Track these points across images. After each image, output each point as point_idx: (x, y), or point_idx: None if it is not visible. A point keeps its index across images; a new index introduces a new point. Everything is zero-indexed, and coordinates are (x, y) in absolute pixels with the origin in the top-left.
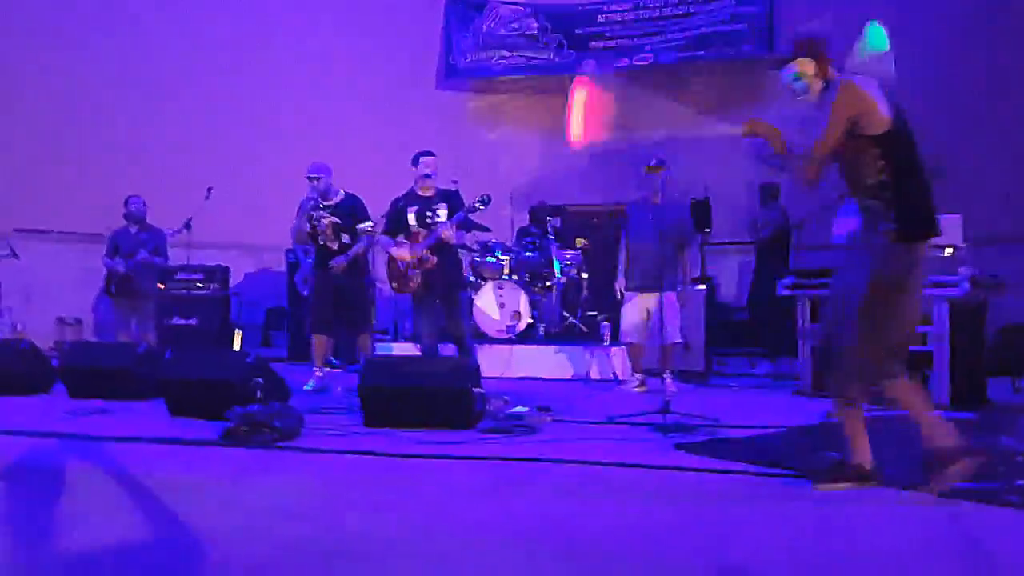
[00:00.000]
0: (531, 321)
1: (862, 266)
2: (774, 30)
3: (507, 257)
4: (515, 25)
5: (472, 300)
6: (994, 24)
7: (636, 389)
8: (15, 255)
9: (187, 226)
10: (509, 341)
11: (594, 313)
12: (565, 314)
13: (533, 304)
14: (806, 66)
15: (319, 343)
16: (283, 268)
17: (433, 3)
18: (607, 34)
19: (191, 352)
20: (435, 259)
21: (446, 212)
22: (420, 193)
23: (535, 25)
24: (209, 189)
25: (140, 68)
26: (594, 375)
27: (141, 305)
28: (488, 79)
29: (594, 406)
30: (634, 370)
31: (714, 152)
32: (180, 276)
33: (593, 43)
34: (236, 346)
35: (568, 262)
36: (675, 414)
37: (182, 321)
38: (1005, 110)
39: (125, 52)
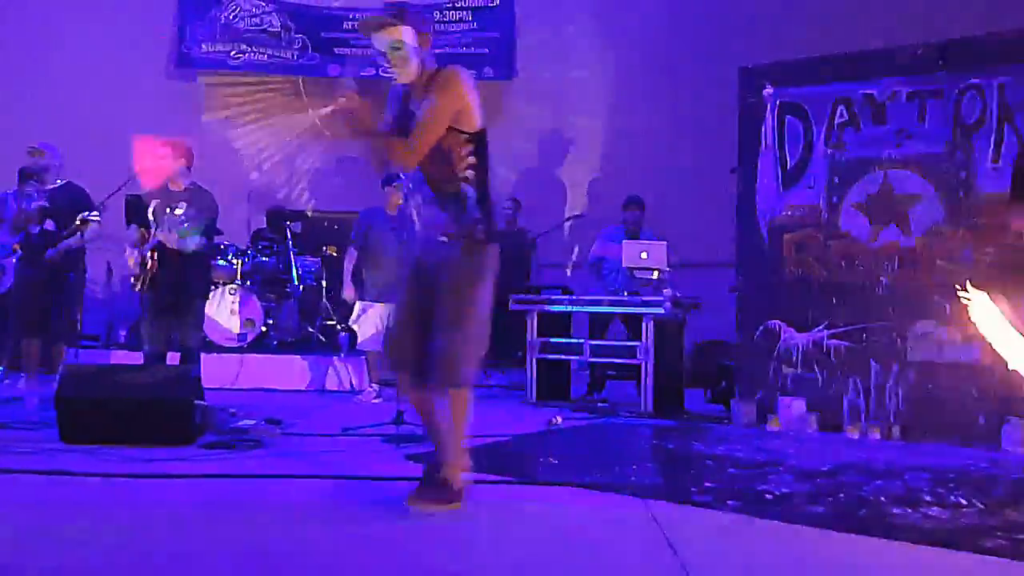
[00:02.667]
0: (264, 329)
1: (467, 265)
2: (514, 56)
3: (239, 261)
4: (256, 20)
5: None
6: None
7: (374, 400)
8: None
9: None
10: (240, 350)
11: (333, 322)
12: (303, 323)
13: (267, 311)
14: (407, 36)
15: (31, 347)
16: None
17: None
18: (353, 41)
19: None
20: (155, 263)
21: (183, 211)
22: (169, 187)
23: (277, 23)
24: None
25: None
26: (331, 386)
27: None
28: (225, 72)
29: (328, 418)
30: (372, 380)
31: None
32: None
33: (339, 48)
34: None
35: (308, 269)
36: (408, 424)
37: None
38: (704, 152)
39: None
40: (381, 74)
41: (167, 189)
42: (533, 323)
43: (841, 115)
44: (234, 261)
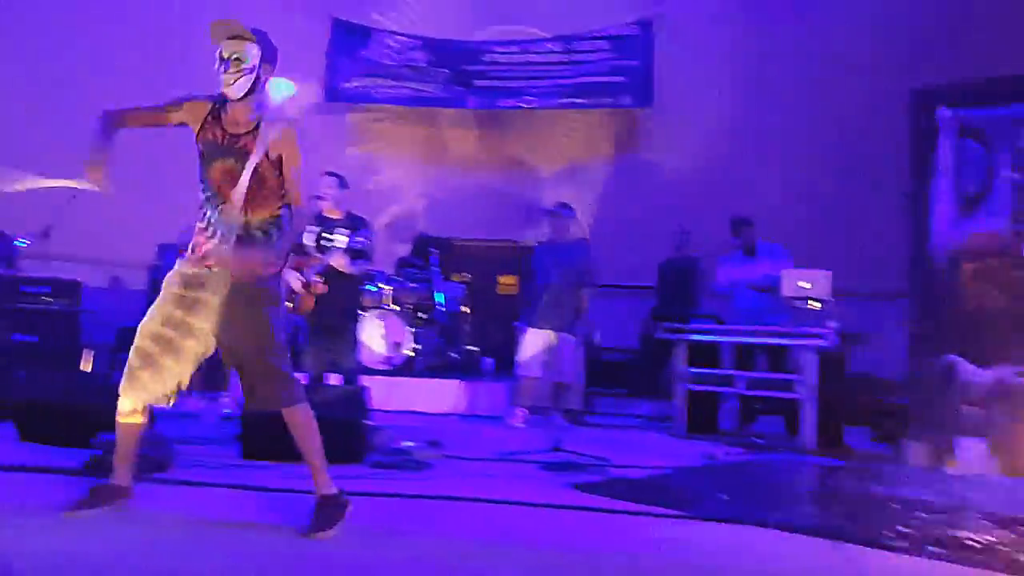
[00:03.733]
0: (412, 353)
1: (269, 299)
2: (652, 83)
3: (389, 287)
4: (402, 56)
5: None
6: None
7: (520, 425)
8: None
9: (45, 235)
10: (388, 373)
11: (475, 348)
12: (447, 347)
13: (414, 336)
14: (253, 53)
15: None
16: (143, 286)
17: (318, 27)
18: (492, 74)
19: (48, 372)
20: (324, 286)
21: (345, 238)
22: (326, 214)
23: (422, 58)
24: (71, 198)
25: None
26: (476, 410)
27: None
28: (371, 106)
29: (483, 442)
30: (522, 404)
31: (596, 194)
32: (24, 289)
33: (478, 81)
34: (87, 367)
35: (451, 295)
36: (566, 452)
37: (23, 338)
38: (855, 177)
39: None
40: (522, 105)
41: (323, 216)
42: (682, 353)
43: None
44: (383, 287)
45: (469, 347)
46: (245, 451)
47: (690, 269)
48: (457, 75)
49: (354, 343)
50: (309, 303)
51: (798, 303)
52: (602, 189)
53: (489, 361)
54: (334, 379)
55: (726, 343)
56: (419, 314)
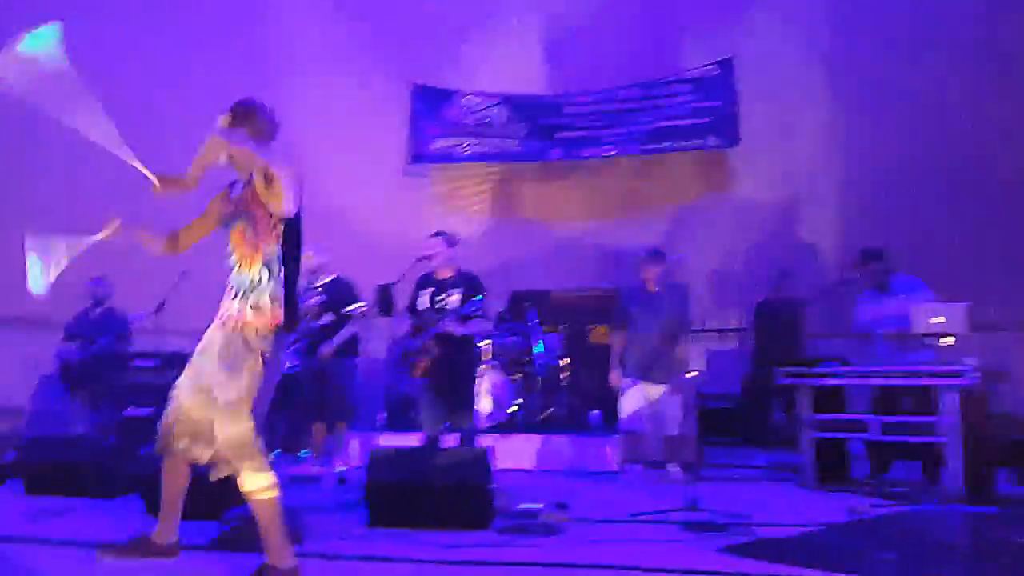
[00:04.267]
0: (516, 408)
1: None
2: (737, 122)
3: (488, 341)
4: (482, 113)
5: None
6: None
7: (638, 480)
8: None
9: (158, 310)
10: (492, 430)
11: (577, 401)
12: (548, 401)
13: (515, 391)
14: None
15: (319, 431)
16: None
17: (399, 91)
18: (572, 125)
19: None
20: (438, 349)
21: (459, 298)
22: (437, 275)
23: (502, 115)
24: (182, 273)
25: None
26: (587, 466)
27: (98, 395)
28: (454, 166)
29: (606, 502)
30: (635, 460)
31: (683, 239)
32: (136, 363)
33: (558, 134)
34: None
35: (551, 347)
36: (703, 510)
37: (136, 412)
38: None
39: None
40: (603, 155)
41: (434, 277)
42: (807, 398)
43: None
44: (483, 343)
45: (571, 400)
46: (371, 519)
47: (790, 311)
48: (538, 129)
49: (471, 403)
50: (424, 365)
51: (930, 340)
52: (691, 232)
53: (596, 414)
54: (450, 440)
55: (856, 386)
56: (519, 368)
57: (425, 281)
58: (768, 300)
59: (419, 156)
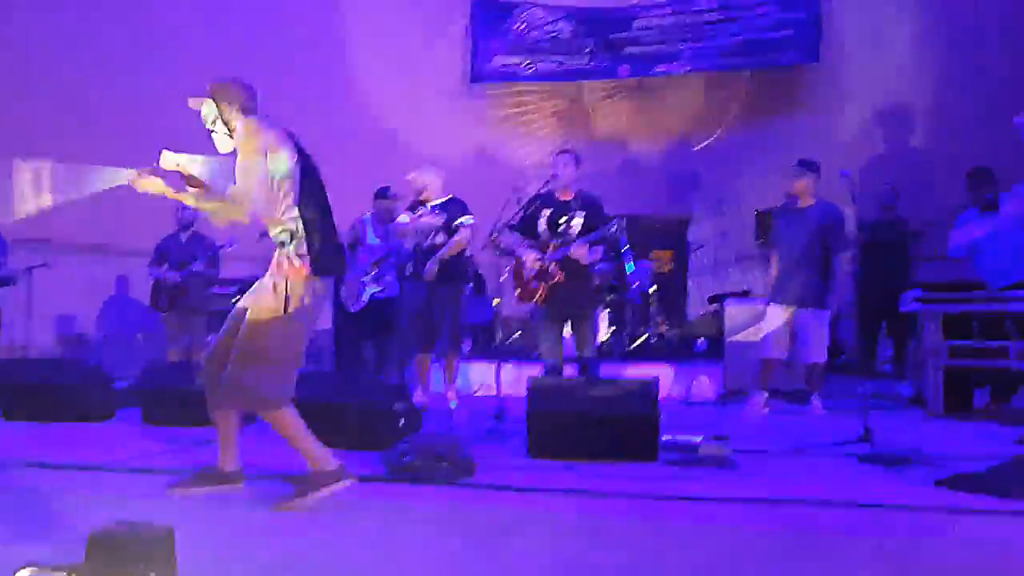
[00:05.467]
0: (606, 337)
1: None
2: (822, 37)
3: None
4: (547, 28)
5: None
6: None
7: (764, 410)
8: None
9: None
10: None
11: (667, 327)
12: (641, 328)
13: (609, 320)
14: (214, 114)
15: (422, 361)
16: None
17: (459, 3)
18: (643, 40)
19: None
20: (562, 274)
21: (581, 222)
22: (558, 196)
23: (568, 29)
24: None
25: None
26: (696, 394)
27: (193, 320)
28: (517, 84)
29: (748, 432)
30: (762, 388)
31: (756, 161)
32: (215, 291)
33: (629, 48)
34: None
35: (643, 274)
36: (873, 443)
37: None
38: None
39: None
40: (676, 70)
41: (556, 198)
42: (936, 325)
43: None
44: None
45: (662, 327)
46: (534, 450)
47: (902, 232)
48: (606, 44)
49: (594, 332)
50: (544, 291)
51: None
52: (770, 154)
53: (703, 342)
54: (570, 369)
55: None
56: (611, 295)
57: (543, 202)
58: (878, 219)
59: (480, 74)
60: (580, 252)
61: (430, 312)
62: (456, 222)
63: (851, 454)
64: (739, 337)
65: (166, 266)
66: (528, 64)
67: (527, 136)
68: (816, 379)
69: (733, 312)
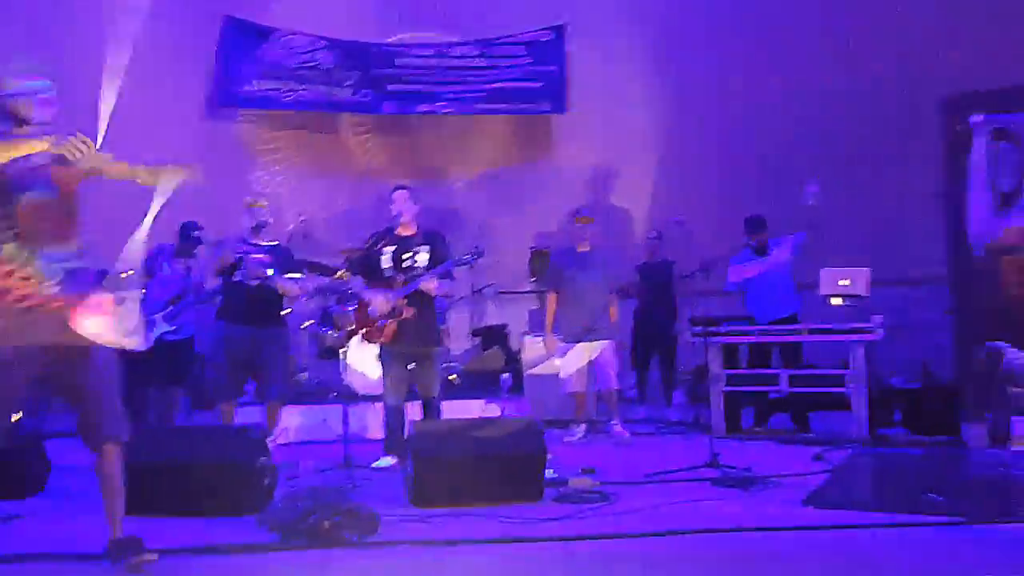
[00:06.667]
0: None
1: None
2: (567, 89)
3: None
4: (307, 56)
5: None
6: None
7: (581, 439)
8: None
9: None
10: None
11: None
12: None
13: None
14: None
15: (227, 412)
16: None
17: (207, 27)
18: (405, 78)
19: None
20: (412, 309)
21: (427, 256)
22: (399, 232)
23: (330, 59)
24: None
25: None
26: None
27: None
28: (273, 112)
29: (616, 463)
30: (578, 420)
31: (514, 201)
32: None
33: (391, 85)
34: None
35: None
36: (725, 467)
37: None
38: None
39: None
40: (438, 110)
41: (397, 235)
42: (717, 355)
43: None
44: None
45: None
46: (416, 498)
47: (668, 273)
48: (370, 79)
49: (437, 371)
50: (392, 329)
51: (835, 300)
52: (517, 196)
53: (506, 377)
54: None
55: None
56: None
57: (385, 240)
58: (646, 263)
59: (228, 98)
60: (429, 285)
61: (250, 355)
62: (288, 275)
63: (703, 479)
64: (537, 371)
65: None
66: (289, 91)
67: (287, 168)
68: (613, 406)
69: (529, 346)
